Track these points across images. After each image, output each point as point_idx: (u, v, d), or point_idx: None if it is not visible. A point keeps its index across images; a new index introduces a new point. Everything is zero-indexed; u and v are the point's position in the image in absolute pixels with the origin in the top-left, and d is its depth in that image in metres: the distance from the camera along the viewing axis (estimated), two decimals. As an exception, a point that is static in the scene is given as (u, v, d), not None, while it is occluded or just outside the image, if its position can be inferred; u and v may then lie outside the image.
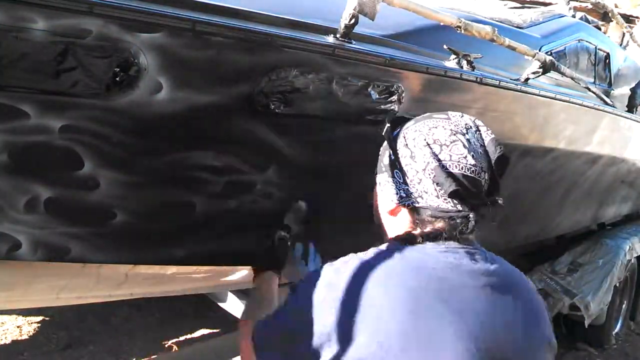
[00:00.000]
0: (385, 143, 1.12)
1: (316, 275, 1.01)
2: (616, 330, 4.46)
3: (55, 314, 3.59)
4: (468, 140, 1.02)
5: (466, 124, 1.05)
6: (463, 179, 0.99)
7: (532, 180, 2.66)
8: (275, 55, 1.23)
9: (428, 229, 1.01)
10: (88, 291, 1.67)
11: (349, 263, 0.99)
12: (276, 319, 1.07)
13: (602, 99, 2.84)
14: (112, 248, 1.39)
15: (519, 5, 3.76)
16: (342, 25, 1.30)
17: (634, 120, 3.38)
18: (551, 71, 2.08)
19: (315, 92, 1.32)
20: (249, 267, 1.81)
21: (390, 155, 1.08)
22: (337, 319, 0.93)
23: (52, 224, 1.26)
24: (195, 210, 1.42)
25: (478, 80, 1.70)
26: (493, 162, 1.02)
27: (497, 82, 1.83)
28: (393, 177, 1.07)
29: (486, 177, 1.01)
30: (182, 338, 3.49)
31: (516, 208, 2.70)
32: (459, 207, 1.00)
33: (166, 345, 3.38)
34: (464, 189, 0.99)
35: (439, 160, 1.00)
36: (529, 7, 3.72)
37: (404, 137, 1.06)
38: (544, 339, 1.06)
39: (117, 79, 1.09)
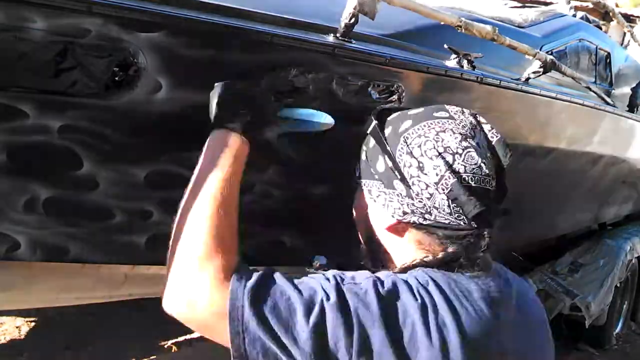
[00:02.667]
0: (373, 143, 0.97)
1: (360, 278, 0.86)
2: (617, 330, 4.45)
3: (55, 314, 3.58)
4: (478, 144, 0.90)
5: (471, 123, 0.93)
6: (482, 192, 0.87)
7: (533, 180, 2.66)
8: (275, 55, 1.23)
9: (440, 254, 0.89)
10: (88, 291, 1.67)
11: (397, 284, 0.85)
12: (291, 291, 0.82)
13: (602, 99, 2.84)
14: (112, 248, 1.38)
15: (519, 4, 3.76)
16: (342, 25, 1.29)
17: (635, 120, 3.38)
18: (552, 71, 2.07)
19: (315, 92, 1.32)
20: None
21: (386, 162, 0.93)
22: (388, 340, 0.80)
23: (51, 224, 1.26)
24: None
25: (479, 79, 1.70)
26: (505, 166, 0.92)
27: (497, 82, 1.83)
28: (392, 187, 0.92)
29: (494, 184, 0.91)
30: (182, 338, 3.49)
31: (517, 208, 2.69)
32: (474, 224, 0.88)
33: (166, 346, 3.38)
34: (484, 205, 0.87)
35: (455, 172, 0.87)
36: (530, 7, 3.71)
37: (406, 143, 0.91)
38: (552, 347, 1.03)
39: (117, 78, 1.08)
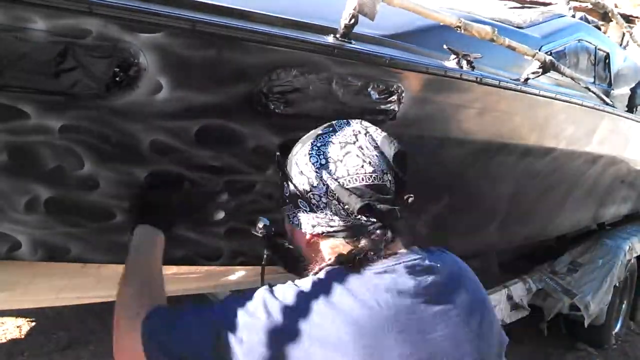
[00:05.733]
0: (280, 174, 1.08)
1: (250, 294, 0.95)
2: (616, 330, 4.46)
3: (55, 314, 3.58)
4: (360, 147, 0.99)
5: (354, 130, 1.02)
6: (367, 189, 0.96)
7: (532, 180, 2.66)
8: (275, 55, 1.23)
9: (346, 253, 0.96)
10: (88, 291, 1.67)
11: (288, 290, 0.93)
12: (185, 321, 0.99)
13: (602, 99, 2.84)
14: (112, 248, 1.39)
15: (518, 5, 3.77)
16: (342, 25, 1.29)
17: (633, 120, 3.38)
18: (551, 71, 2.08)
19: (315, 92, 1.32)
20: (249, 267, 1.81)
21: (289, 187, 1.03)
22: (270, 345, 0.88)
23: (52, 224, 1.27)
24: (194, 210, 1.42)
25: (478, 80, 1.70)
26: (391, 160, 0.99)
27: (497, 82, 1.83)
28: (298, 207, 1.02)
29: (390, 178, 0.99)
30: (182, 338, 3.49)
31: (516, 208, 2.70)
32: (373, 219, 0.96)
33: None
34: (371, 200, 0.95)
35: (336, 179, 0.97)
36: (529, 7, 3.72)
37: (296, 164, 1.02)
38: (500, 339, 1.05)
39: (117, 79, 1.08)
